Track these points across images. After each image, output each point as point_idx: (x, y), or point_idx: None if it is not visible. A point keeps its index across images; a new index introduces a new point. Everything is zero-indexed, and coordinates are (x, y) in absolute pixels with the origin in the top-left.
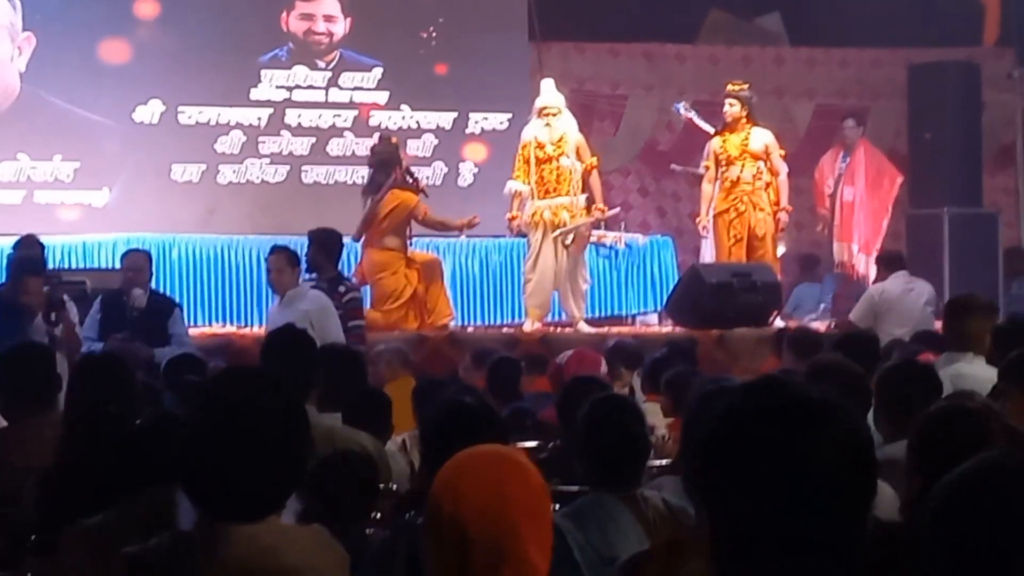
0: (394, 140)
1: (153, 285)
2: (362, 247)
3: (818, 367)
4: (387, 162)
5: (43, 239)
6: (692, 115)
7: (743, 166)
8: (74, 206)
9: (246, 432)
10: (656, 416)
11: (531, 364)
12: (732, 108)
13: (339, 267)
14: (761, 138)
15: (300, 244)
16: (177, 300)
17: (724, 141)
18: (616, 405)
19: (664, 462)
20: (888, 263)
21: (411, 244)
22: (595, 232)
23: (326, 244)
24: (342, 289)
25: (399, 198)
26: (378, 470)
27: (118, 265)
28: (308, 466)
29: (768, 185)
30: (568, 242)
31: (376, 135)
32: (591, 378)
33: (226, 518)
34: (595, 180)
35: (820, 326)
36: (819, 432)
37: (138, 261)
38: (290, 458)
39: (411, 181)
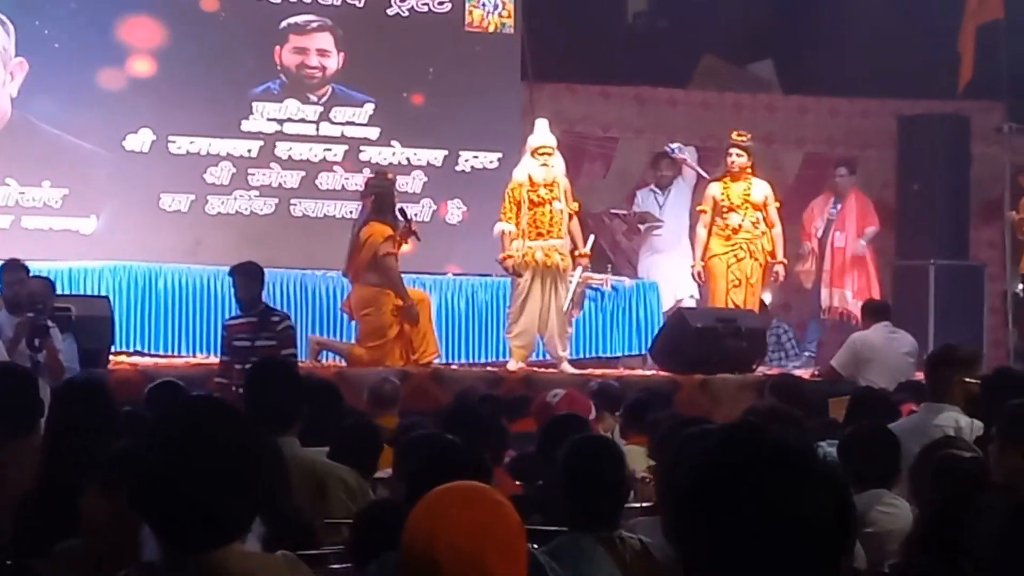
0: (390, 175)
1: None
2: (350, 282)
3: (754, 413)
4: (380, 196)
5: (30, 265)
6: (686, 156)
7: (744, 215)
8: (62, 232)
9: (201, 461)
10: (638, 459)
11: (513, 406)
12: (740, 158)
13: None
14: (762, 189)
15: (287, 277)
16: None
17: (725, 188)
18: (596, 447)
19: (644, 504)
20: (873, 312)
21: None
22: (584, 274)
23: (256, 275)
24: (275, 319)
25: (373, 230)
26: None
27: (104, 292)
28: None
29: (763, 234)
30: (576, 310)
31: (364, 169)
32: (573, 416)
33: (190, 548)
34: (575, 226)
35: (803, 373)
36: (798, 478)
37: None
38: (248, 484)
39: (403, 220)
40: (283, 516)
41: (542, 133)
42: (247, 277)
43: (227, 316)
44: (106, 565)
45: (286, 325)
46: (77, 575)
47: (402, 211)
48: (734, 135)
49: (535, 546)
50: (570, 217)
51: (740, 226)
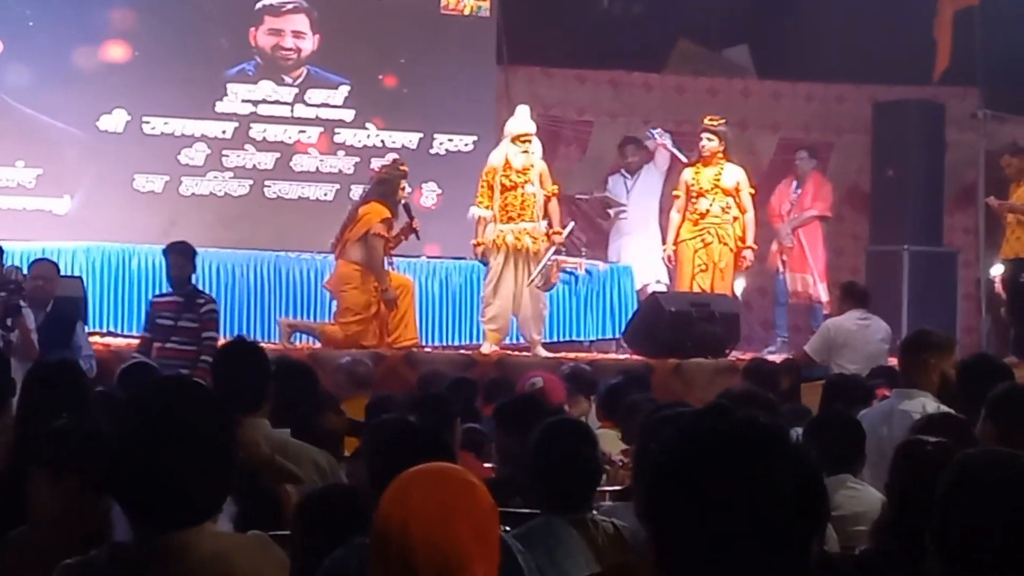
0: (403, 167)
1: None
2: (335, 257)
3: (729, 397)
4: (384, 181)
5: (2, 244)
6: (666, 141)
7: (713, 200)
8: (35, 213)
9: (172, 441)
10: (611, 443)
11: (490, 389)
12: (710, 143)
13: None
14: (734, 175)
15: (261, 259)
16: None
17: (697, 173)
18: (569, 429)
19: (616, 487)
20: (851, 296)
21: (391, 266)
22: (555, 257)
23: (190, 254)
24: (200, 300)
25: (372, 208)
26: (364, 502)
27: (78, 273)
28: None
29: (735, 219)
30: (540, 284)
31: (339, 151)
32: (531, 398)
33: (161, 528)
34: (554, 207)
35: (777, 358)
36: (768, 458)
37: (47, 271)
38: (219, 464)
39: (407, 217)
40: (255, 496)
41: (523, 120)
42: (182, 255)
43: (155, 293)
44: (54, 551)
45: (210, 308)
46: (24, 563)
47: (407, 207)
48: (706, 120)
49: (507, 528)
50: (547, 199)
51: (708, 211)
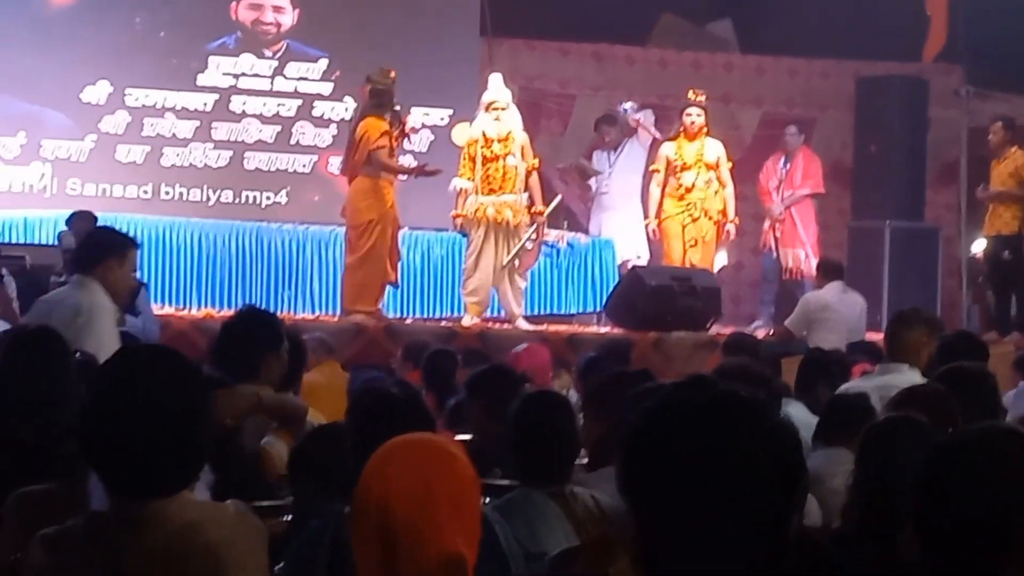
0: (392, 74)
1: None
2: (348, 181)
3: (724, 371)
4: (377, 92)
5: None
6: (640, 117)
7: (697, 174)
8: (17, 182)
9: (142, 409)
10: None
11: (468, 359)
12: (699, 118)
13: None
14: (715, 149)
15: (241, 230)
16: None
17: (679, 148)
18: (547, 401)
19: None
20: (828, 271)
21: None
22: (534, 232)
23: (95, 223)
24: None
25: (368, 126)
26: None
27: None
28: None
29: (716, 193)
30: (516, 264)
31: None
32: (502, 368)
33: (137, 497)
34: (535, 181)
35: (761, 333)
36: (746, 431)
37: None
38: (192, 433)
39: (398, 123)
40: (234, 465)
41: (496, 88)
42: (87, 222)
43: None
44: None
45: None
46: (44, 519)
47: (396, 115)
48: (691, 94)
49: (487, 500)
50: (528, 173)
51: (693, 185)
